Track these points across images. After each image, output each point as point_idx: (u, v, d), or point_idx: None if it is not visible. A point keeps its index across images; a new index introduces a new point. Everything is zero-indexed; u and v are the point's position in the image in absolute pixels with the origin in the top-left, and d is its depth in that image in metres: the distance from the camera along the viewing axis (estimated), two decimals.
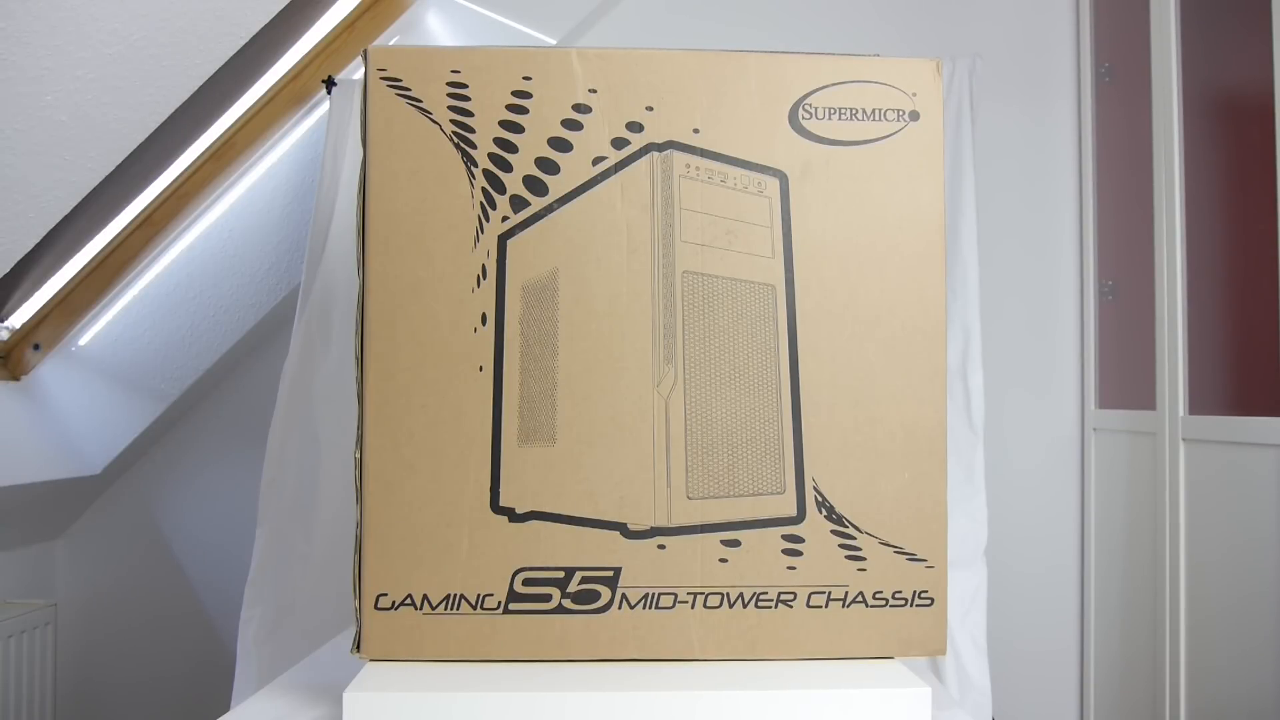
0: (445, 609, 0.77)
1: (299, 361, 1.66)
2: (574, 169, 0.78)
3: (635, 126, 0.79)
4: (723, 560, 0.78)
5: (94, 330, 1.87)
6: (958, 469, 1.62)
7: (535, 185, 0.78)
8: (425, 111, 0.78)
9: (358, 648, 0.78)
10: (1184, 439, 1.49)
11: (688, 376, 0.78)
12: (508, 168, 0.78)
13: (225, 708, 1.38)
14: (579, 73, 0.78)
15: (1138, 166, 1.67)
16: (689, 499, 0.78)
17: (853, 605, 0.79)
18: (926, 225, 0.80)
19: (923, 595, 0.79)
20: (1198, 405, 1.50)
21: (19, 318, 1.80)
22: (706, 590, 0.78)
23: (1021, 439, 1.86)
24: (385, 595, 0.77)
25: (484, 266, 0.78)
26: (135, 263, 1.84)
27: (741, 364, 0.79)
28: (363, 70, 0.79)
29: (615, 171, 0.78)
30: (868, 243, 0.80)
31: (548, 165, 0.78)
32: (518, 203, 0.78)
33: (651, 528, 0.78)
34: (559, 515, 0.78)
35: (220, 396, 1.96)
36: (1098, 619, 1.80)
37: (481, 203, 0.78)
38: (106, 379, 1.87)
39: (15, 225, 1.39)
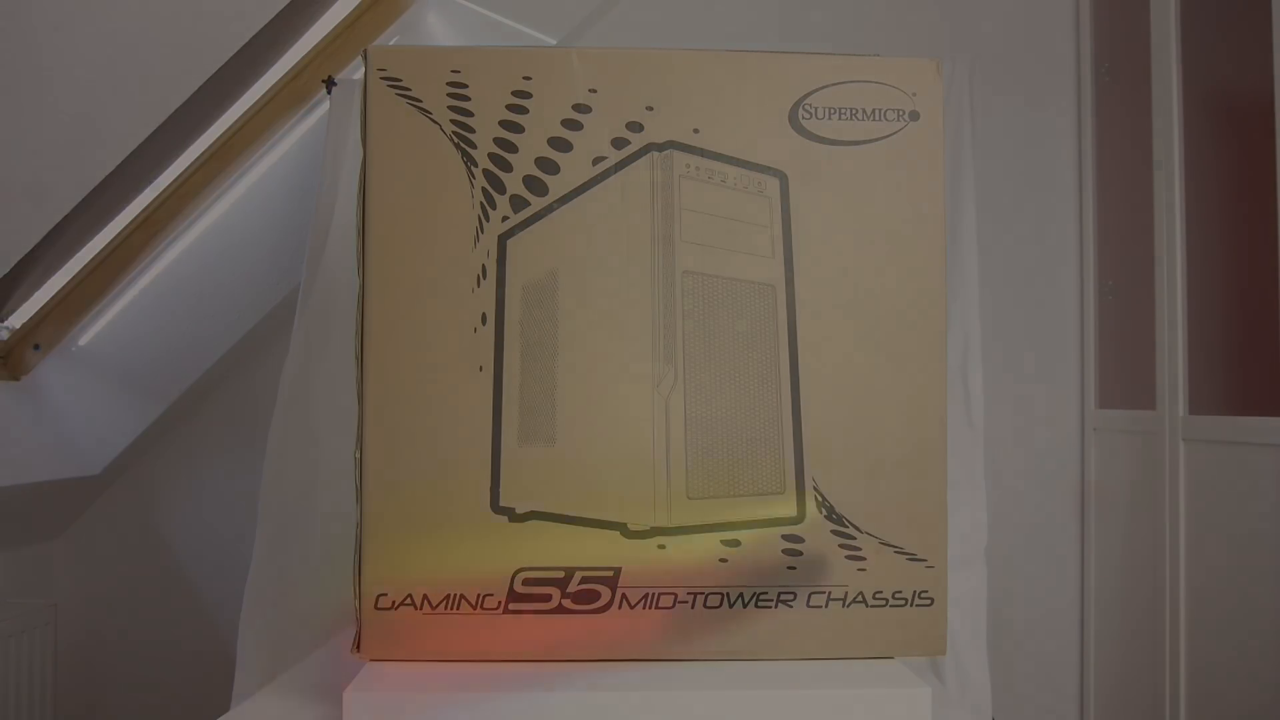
0: (445, 609, 0.77)
1: (299, 361, 1.66)
2: (574, 169, 0.78)
3: (635, 126, 0.79)
4: (723, 560, 0.78)
5: (94, 330, 1.87)
6: (958, 469, 1.62)
7: (535, 185, 0.78)
8: (425, 111, 0.78)
9: (358, 648, 0.78)
10: (1184, 439, 1.49)
11: (688, 376, 0.78)
12: (508, 167, 0.78)
13: (225, 708, 1.37)
14: (579, 73, 0.78)
15: (1138, 166, 1.67)
16: (689, 499, 0.78)
17: (853, 605, 0.79)
18: (926, 225, 0.80)
19: (923, 595, 0.79)
20: (1198, 405, 1.50)
21: (19, 318, 1.80)
22: (706, 590, 0.78)
23: (1021, 439, 1.86)
24: (385, 595, 0.77)
25: (484, 266, 0.78)
26: (135, 262, 1.84)
27: (741, 364, 0.79)
28: (363, 70, 0.79)
29: (615, 171, 0.78)
30: (868, 242, 0.79)
31: (548, 165, 0.78)
32: (518, 203, 0.78)
33: (651, 528, 0.78)
34: (559, 515, 0.77)
35: (220, 396, 1.96)
36: (1098, 619, 1.80)
37: (481, 203, 0.78)
38: (106, 379, 1.87)
39: (15, 225, 1.39)
